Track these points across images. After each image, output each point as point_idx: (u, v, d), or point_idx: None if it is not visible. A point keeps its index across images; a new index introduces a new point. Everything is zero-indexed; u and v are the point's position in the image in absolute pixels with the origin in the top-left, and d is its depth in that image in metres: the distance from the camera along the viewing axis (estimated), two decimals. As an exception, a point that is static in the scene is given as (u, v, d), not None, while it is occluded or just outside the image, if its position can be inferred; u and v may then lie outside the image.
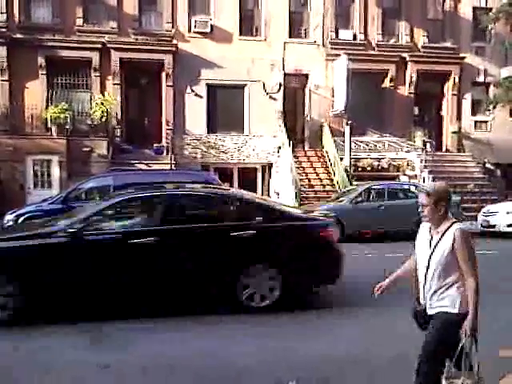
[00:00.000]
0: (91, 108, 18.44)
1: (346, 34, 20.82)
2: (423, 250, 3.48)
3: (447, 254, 3.31)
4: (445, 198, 3.39)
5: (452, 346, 3.27)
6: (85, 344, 5.42)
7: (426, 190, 3.41)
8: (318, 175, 18.77)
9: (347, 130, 18.66)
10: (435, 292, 3.39)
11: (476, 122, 22.04)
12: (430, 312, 3.45)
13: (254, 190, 20.25)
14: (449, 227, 3.36)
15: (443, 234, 3.35)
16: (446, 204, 3.39)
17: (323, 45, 20.55)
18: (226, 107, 20.11)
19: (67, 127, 17.62)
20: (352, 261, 7.83)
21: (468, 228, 3.38)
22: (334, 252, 6.90)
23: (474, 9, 21.77)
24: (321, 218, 7.49)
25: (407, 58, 20.96)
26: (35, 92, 18.40)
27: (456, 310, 3.32)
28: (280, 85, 20.08)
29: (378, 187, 15.02)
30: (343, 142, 18.91)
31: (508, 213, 14.47)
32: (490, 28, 20.56)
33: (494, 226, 14.69)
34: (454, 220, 3.41)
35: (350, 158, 18.54)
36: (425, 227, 3.54)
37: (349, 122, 18.69)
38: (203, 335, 5.72)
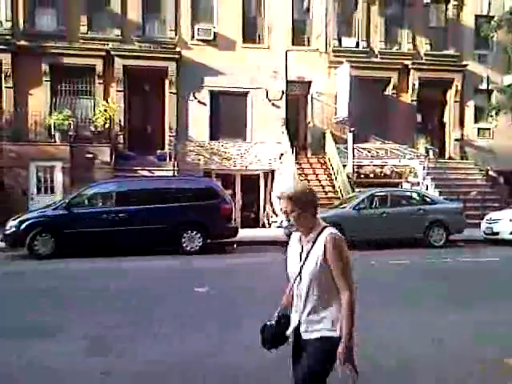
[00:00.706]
0: (94, 115, 18.50)
1: (348, 42, 20.89)
2: (294, 263, 2.93)
3: (320, 266, 2.78)
4: (311, 200, 2.88)
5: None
6: (84, 350, 5.42)
7: (287, 195, 2.85)
8: (320, 182, 18.75)
9: (350, 136, 18.67)
10: (311, 312, 2.85)
11: (479, 129, 22.03)
12: (305, 336, 2.87)
13: (257, 197, 20.28)
14: (319, 233, 2.84)
15: (314, 242, 2.84)
16: (314, 207, 2.90)
17: (326, 52, 20.62)
18: (228, 114, 20.16)
19: (70, 134, 17.67)
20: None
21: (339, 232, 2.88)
22: None
23: (477, 17, 21.82)
24: None
25: (410, 66, 21.00)
26: (39, 98, 18.49)
27: (337, 333, 2.78)
28: (283, 92, 20.13)
29: (381, 194, 14.99)
30: (346, 148, 18.91)
31: (511, 220, 14.43)
32: (492, 36, 20.60)
33: (497, 234, 14.61)
34: (325, 225, 2.90)
35: (353, 165, 18.54)
36: (295, 237, 3.00)
37: (351, 129, 18.69)
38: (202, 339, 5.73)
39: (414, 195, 15.74)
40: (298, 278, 2.87)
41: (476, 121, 22.00)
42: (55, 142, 17.57)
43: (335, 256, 2.77)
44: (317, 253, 2.80)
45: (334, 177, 18.69)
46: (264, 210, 20.13)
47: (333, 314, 2.81)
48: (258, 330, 3.04)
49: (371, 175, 19.26)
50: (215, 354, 5.28)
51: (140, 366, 4.95)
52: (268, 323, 2.99)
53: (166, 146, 19.33)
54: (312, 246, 2.83)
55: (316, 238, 2.83)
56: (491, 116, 21.10)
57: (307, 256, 2.84)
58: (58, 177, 17.09)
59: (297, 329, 2.93)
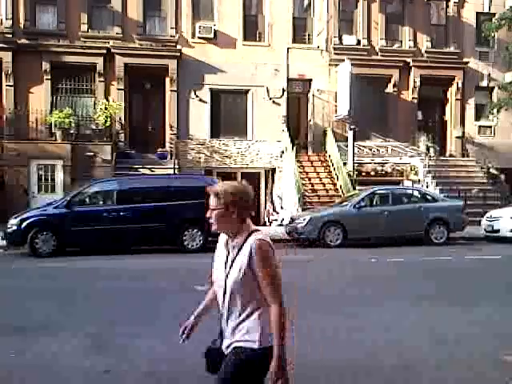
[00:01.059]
0: (95, 113, 18.49)
1: (349, 40, 20.86)
2: (220, 270, 2.66)
3: (244, 274, 2.51)
4: (240, 200, 2.57)
5: None
6: (86, 349, 5.43)
7: (213, 191, 2.59)
8: (321, 180, 18.76)
9: (350, 134, 18.67)
10: (234, 325, 2.59)
11: (480, 126, 22.01)
12: (227, 352, 2.63)
13: (257, 195, 20.28)
14: (246, 238, 2.56)
15: (240, 248, 2.56)
16: (243, 209, 2.58)
17: (327, 50, 20.59)
18: (229, 112, 20.17)
19: (71, 132, 17.68)
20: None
21: (268, 238, 2.59)
22: None
23: (478, 14, 21.78)
24: None
25: (411, 63, 20.97)
26: (40, 97, 18.48)
27: (254, 345, 2.51)
28: (283, 90, 20.11)
29: (382, 192, 15.00)
30: (346, 146, 18.92)
31: (512, 218, 14.44)
32: (493, 34, 20.56)
33: (497, 231, 14.64)
34: (254, 228, 2.62)
35: (354, 163, 18.54)
36: (222, 240, 2.72)
37: (352, 127, 18.70)
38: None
39: (415, 193, 15.75)
40: (224, 287, 2.60)
41: (477, 118, 21.98)
42: (56, 140, 17.58)
43: (261, 264, 2.49)
44: (242, 259, 2.53)
45: (334, 174, 18.68)
46: (265, 207, 20.14)
47: (252, 325, 2.55)
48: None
49: (372, 173, 19.27)
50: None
51: (141, 365, 4.95)
52: (212, 346, 2.75)
53: (167, 144, 19.34)
54: (237, 253, 2.57)
55: (242, 244, 2.56)
56: (492, 113, 21.07)
57: (232, 264, 2.57)
58: (59, 175, 17.08)
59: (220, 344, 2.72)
